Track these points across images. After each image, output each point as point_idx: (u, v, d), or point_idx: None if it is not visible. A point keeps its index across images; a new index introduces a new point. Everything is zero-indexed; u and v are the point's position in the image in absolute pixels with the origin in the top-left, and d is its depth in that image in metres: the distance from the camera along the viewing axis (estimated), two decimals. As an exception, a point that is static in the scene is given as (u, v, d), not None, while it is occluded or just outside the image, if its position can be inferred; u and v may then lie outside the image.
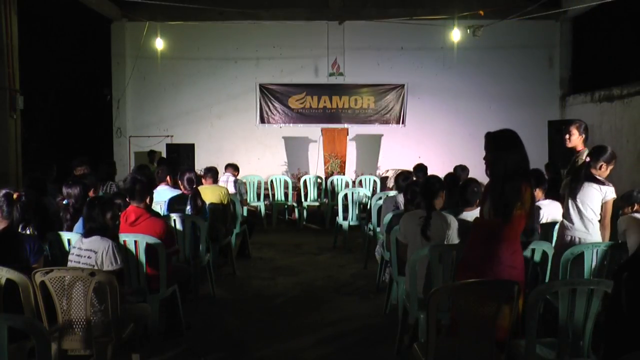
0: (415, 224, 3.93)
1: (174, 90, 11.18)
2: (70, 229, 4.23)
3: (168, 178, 5.89)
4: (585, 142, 5.31)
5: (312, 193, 9.33)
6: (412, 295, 3.60)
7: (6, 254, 3.16)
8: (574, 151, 5.47)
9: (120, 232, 3.94)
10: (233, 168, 8.09)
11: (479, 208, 4.39)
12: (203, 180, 6.24)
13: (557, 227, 4.28)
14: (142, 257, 3.96)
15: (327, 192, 9.17)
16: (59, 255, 3.97)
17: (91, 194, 4.71)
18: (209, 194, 5.87)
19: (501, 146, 3.14)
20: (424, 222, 3.88)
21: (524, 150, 3.14)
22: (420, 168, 6.58)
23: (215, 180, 6.35)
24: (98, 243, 3.35)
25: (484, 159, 3.20)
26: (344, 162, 9.99)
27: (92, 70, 12.46)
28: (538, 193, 4.58)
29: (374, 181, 9.15)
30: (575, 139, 5.29)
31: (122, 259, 3.42)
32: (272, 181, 9.69)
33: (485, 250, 3.09)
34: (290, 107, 11.12)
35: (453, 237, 3.91)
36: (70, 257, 3.43)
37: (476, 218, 3.32)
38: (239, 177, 8.29)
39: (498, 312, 2.73)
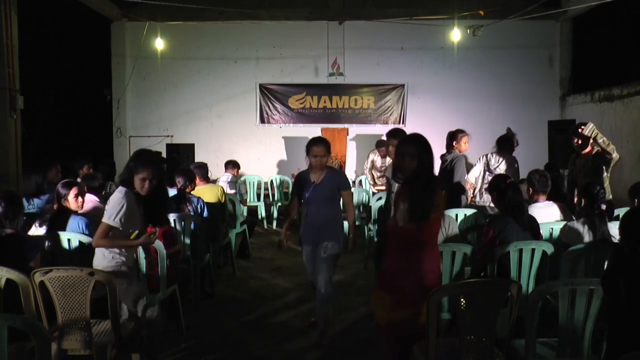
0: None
1: (174, 90, 11.18)
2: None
3: None
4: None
5: (312, 193, 9.31)
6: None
7: (9, 255, 3.17)
8: (576, 151, 5.49)
9: None
10: (233, 165, 8.06)
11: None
12: (197, 181, 6.16)
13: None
14: (142, 257, 3.96)
15: (327, 192, 9.14)
16: (59, 255, 3.97)
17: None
18: (206, 194, 5.85)
19: (426, 150, 3.09)
20: None
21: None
22: None
23: (205, 177, 6.23)
24: None
25: (400, 160, 3.09)
26: (344, 162, 9.99)
27: (92, 70, 12.46)
28: (540, 196, 4.58)
29: (374, 181, 9.14)
30: (588, 143, 5.32)
31: None
32: (272, 181, 9.69)
33: (404, 257, 3.05)
34: (290, 107, 11.12)
35: (453, 237, 3.91)
36: None
37: (391, 225, 3.18)
38: (238, 174, 8.26)
39: (498, 312, 2.73)
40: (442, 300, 3.45)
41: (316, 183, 4.27)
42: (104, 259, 3.34)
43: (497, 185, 3.99)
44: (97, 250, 3.37)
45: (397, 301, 3.02)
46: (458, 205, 5.60)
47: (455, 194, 5.70)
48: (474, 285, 2.87)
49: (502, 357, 2.79)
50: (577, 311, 2.76)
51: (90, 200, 4.98)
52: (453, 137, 5.91)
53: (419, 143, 3.09)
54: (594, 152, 5.32)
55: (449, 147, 5.96)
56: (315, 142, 4.38)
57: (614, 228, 3.91)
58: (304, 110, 11.12)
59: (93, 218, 4.64)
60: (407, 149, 3.05)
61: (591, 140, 5.28)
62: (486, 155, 6.10)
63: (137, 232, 3.32)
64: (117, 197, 3.28)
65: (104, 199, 5.44)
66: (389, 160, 7.96)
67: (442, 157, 6.03)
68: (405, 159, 3.04)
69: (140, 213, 3.38)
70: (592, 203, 3.86)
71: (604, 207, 3.85)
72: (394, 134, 4.82)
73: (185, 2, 9.30)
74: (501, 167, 5.91)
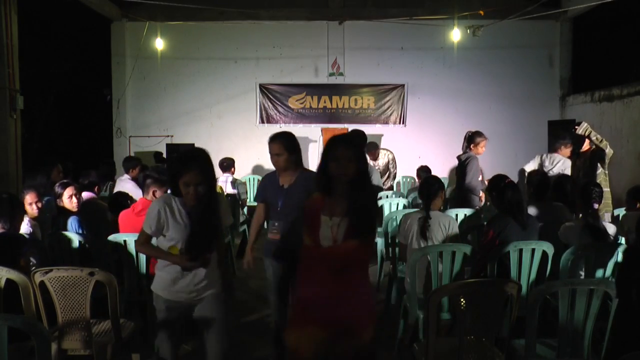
0: (415, 224, 3.93)
1: (174, 90, 11.18)
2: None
3: None
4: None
5: (312, 193, 9.31)
6: (412, 295, 3.60)
7: (5, 256, 3.18)
8: (576, 151, 5.57)
9: (126, 220, 4.15)
10: (228, 164, 8.00)
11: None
12: None
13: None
14: (143, 257, 3.96)
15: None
16: (59, 255, 3.97)
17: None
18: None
19: (363, 152, 2.65)
20: (422, 222, 3.87)
21: None
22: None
23: None
24: None
25: (336, 165, 2.56)
26: (344, 162, 9.99)
27: (92, 70, 12.47)
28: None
29: (374, 181, 9.14)
30: (584, 141, 5.43)
31: None
32: (272, 181, 9.68)
33: (339, 283, 2.56)
34: (290, 107, 11.12)
35: (453, 237, 3.91)
36: None
37: (311, 246, 2.63)
38: (235, 172, 8.24)
39: (498, 312, 2.73)
40: (442, 300, 3.45)
41: (285, 188, 3.55)
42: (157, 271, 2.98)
43: (496, 185, 3.98)
44: None
45: (338, 334, 2.55)
46: (469, 205, 5.59)
47: (465, 194, 5.73)
48: (474, 285, 2.87)
49: (502, 357, 2.79)
50: (577, 311, 2.76)
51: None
52: (471, 139, 5.95)
53: (356, 145, 2.65)
54: (591, 150, 5.41)
55: (466, 147, 6.01)
56: (271, 138, 3.59)
57: (611, 228, 3.92)
58: (304, 110, 11.12)
59: (87, 216, 4.65)
60: (345, 153, 2.56)
61: (587, 140, 5.37)
62: (541, 155, 6.18)
63: (178, 247, 2.81)
64: (153, 202, 3.00)
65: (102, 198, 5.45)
66: (381, 162, 8.01)
67: (458, 157, 6.08)
68: (342, 163, 2.55)
69: (182, 223, 2.83)
70: (586, 202, 3.87)
71: (596, 206, 3.84)
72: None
73: (186, 2, 9.30)
74: (555, 169, 5.96)
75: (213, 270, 2.89)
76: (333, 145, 2.61)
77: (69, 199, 4.35)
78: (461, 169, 5.95)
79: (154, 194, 4.31)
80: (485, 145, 5.96)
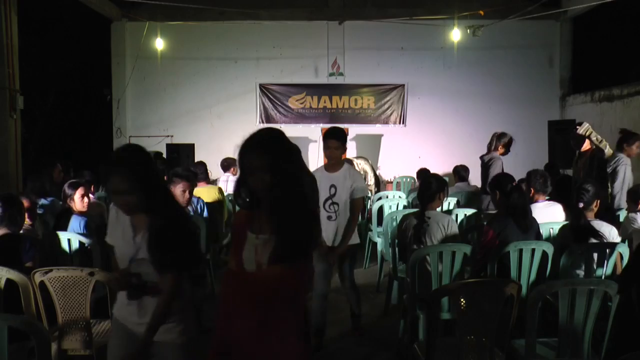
0: (412, 227, 3.92)
1: (174, 90, 11.18)
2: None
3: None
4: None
5: (312, 193, 9.29)
6: (412, 295, 3.60)
7: (4, 256, 3.17)
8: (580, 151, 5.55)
9: None
10: (228, 163, 7.99)
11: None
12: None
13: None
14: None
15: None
16: (59, 255, 3.97)
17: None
18: (204, 194, 5.87)
19: (281, 152, 2.04)
20: (418, 226, 3.85)
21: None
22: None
23: (205, 177, 6.31)
24: None
25: (250, 177, 2.01)
26: (344, 162, 9.98)
27: (92, 70, 12.47)
28: (540, 196, 4.59)
29: (374, 181, 9.13)
30: (583, 141, 5.41)
31: None
32: (272, 181, 9.68)
33: (264, 320, 1.99)
34: (290, 107, 11.12)
35: (453, 237, 3.91)
36: None
37: (233, 270, 2.07)
38: (236, 172, 8.23)
39: (498, 312, 2.73)
40: (442, 300, 3.45)
41: None
42: None
43: (502, 185, 3.96)
44: None
45: None
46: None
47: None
48: (474, 285, 2.87)
49: (502, 357, 2.79)
50: (577, 311, 2.76)
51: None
52: (499, 139, 5.96)
53: (270, 149, 2.03)
54: (591, 150, 5.41)
55: (494, 148, 6.00)
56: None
57: (603, 226, 3.90)
58: (304, 111, 11.13)
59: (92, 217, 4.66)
60: (257, 162, 2.00)
61: (588, 140, 5.37)
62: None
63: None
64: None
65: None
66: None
67: (481, 157, 6.08)
68: (257, 176, 1.99)
69: (119, 233, 2.35)
70: (576, 201, 3.87)
71: (581, 205, 3.81)
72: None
73: (186, 2, 9.31)
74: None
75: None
76: (244, 155, 2.06)
77: (80, 199, 4.34)
78: (485, 170, 5.93)
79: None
80: (510, 145, 5.98)
